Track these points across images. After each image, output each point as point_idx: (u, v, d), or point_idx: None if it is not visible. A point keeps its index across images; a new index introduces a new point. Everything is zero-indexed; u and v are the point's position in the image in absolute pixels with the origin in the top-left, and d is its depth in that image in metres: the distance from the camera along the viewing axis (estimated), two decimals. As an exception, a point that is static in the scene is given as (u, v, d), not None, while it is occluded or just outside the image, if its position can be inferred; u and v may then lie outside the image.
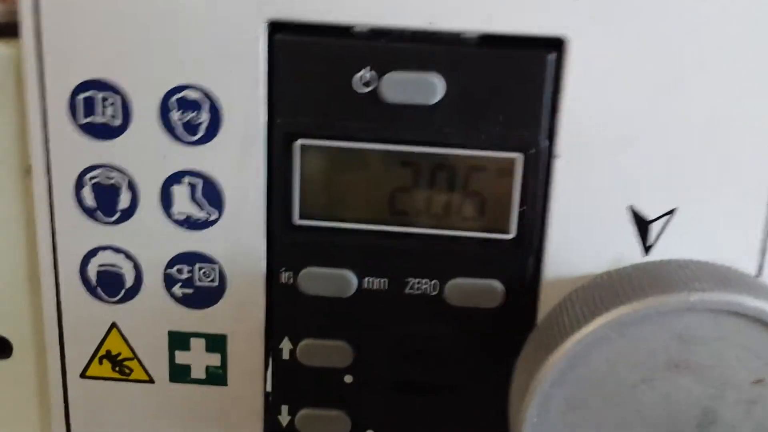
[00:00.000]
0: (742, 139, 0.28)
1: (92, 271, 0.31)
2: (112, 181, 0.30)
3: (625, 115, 0.28)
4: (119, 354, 0.32)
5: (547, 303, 0.29)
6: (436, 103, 0.28)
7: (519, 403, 0.26)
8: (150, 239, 0.30)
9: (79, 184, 0.30)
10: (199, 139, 0.29)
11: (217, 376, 0.32)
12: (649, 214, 0.29)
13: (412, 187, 0.29)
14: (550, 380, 0.26)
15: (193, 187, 0.30)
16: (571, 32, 0.27)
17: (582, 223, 0.29)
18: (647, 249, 0.29)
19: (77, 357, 0.32)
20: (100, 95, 0.29)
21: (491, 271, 0.30)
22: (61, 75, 0.29)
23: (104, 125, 0.29)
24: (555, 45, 0.28)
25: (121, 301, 0.31)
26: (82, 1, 0.28)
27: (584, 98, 0.28)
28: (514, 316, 0.30)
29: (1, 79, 0.30)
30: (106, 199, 0.30)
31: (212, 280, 0.31)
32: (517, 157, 0.28)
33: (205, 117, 0.29)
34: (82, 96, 0.29)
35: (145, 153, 0.29)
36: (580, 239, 0.29)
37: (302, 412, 0.32)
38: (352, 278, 0.30)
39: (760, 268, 0.29)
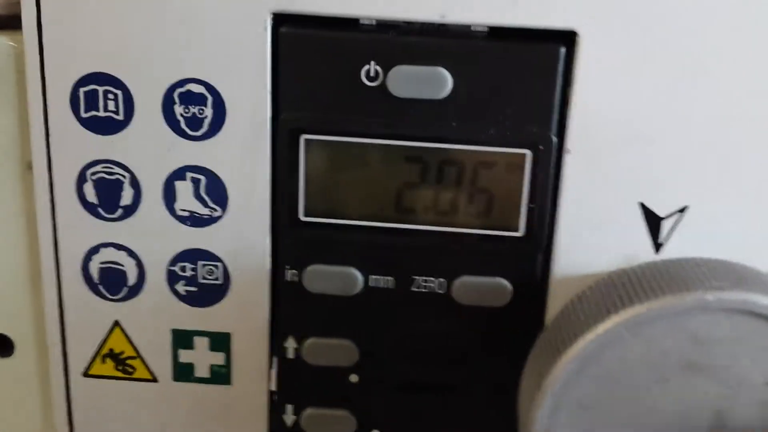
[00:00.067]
0: (755, 136, 0.28)
1: (94, 268, 0.31)
2: (114, 177, 0.30)
3: (637, 111, 0.28)
4: (122, 352, 0.32)
5: (556, 301, 0.29)
6: (445, 97, 0.28)
7: (529, 404, 0.26)
8: (153, 236, 0.30)
9: (81, 180, 0.30)
10: (203, 134, 0.29)
11: (221, 375, 0.32)
12: (660, 211, 0.29)
13: (420, 183, 0.29)
14: (562, 380, 0.26)
15: (196, 183, 0.29)
16: (583, 25, 0.27)
17: (592, 221, 0.29)
18: (658, 247, 0.29)
19: (80, 355, 0.32)
20: (102, 89, 0.29)
21: (499, 269, 0.30)
22: (63, 68, 0.29)
23: (106, 119, 0.29)
24: (566, 38, 0.27)
25: (124, 299, 0.31)
26: (84, -7, 0.28)
27: (595, 93, 0.28)
28: (523, 314, 0.30)
29: (2, 72, 0.30)
30: (109, 195, 0.30)
31: (216, 278, 0.31)
32: (527, 152, 0.28)
33: (209, 111, 0.29)
34: (84, 90, 0.29)
35: (148, 148, 0.29)
36: (590, 237, 0.29)
37: (307, 412, 0.32)
38: (357, 276, 0.30)
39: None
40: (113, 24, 0.28)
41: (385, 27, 0.28)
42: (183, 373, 0.32)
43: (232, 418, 0.32)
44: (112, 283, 0.31)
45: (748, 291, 0.25)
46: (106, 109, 0.29)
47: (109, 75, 0.28)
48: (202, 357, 0.32)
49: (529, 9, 0.27)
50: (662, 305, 0.25)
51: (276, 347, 0.31)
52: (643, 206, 0.29)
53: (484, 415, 0.31)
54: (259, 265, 0.30)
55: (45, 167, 0.30)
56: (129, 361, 0.32)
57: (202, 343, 0.31)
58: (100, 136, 0.29)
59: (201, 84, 0.28)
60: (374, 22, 0.28)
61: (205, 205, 0.30)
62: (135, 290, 0.31)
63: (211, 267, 0.30)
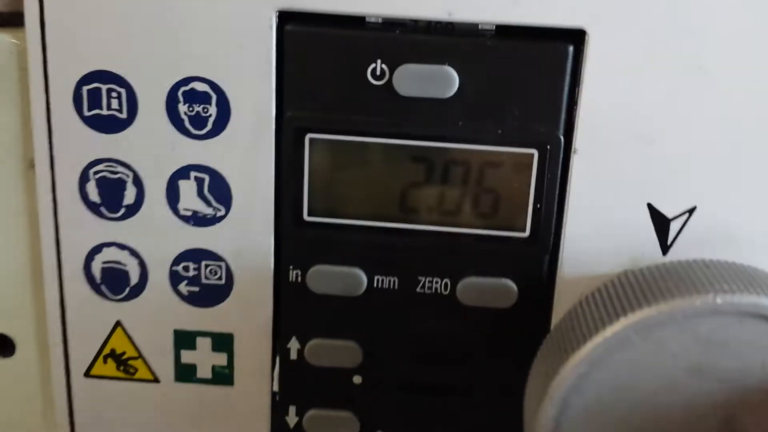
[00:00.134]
0: (764, 136, 0.27)
1: (96, 267, 0.31)
2: (117, 176, 0.30)
3: (645, 111, 0.27)
4: (124, 353, 0.32)
5: (562, 303, 0.29)
6: (451, 96, 0.28)
7: (536, 407, 0.26)
8: (156, 235, 0.30)
9: (83, 179, 0.30)
10: (207, 132, 0.29)
11: (223, 376, 0.32)
12: (668, 212, 0.28)
13: (425, 183, 0.29)
14: (568, 384, 0.25)
15: (200, 182, 0.29)
16: (592, 24, 0.27)
17: (599, 222, 0.29)
18: (666, 248, 0.29)
19: (81, 356, 0.32)
20: (105, 87, 0.28)
21: (505, 270, 0.30)
22: (66, 66, 0.28)
23: (110, 118, 0.29)
24: (575, 37, 0.27)
25: (126, 298, 0.31)
26: (88, -10, 0.28)
27: (604, 92, 0.27)
28: (528, 316, 0.30)
29: (5, 69, 0.29)
30: (111, 194, 0.30)
31: (219, 278, 0.30)
32: (534, 152, 0.28)
33: (213, 110, 0.28)
34: (87, 88, 0.29)
35: (152, 147, 0.29)
36: (597, 238, 0.29)
37: (310, 413, 0.32)
38: (361, 276, 0.30)
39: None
40: (116, 21, 0.28)
41: (392, 25, 0.28)
42: (185, 373, 0.32)
43: (235, 420, 0.32)
44: (114, 283, 0.31)
45: (758, 294, 0.25)
46: (109, 108, 0.29)
47: (113, 73, 0.28)
48: (204, 358, 0.31)
49: (536, 7, 0.27)
50: (672, 308, 0.25)
51: (279, 348, 0.31)
52: (651, 207, 0.28)
53: (489, 417, 0.31)
54: (263, 265, 0.30)
55: (47, 166, 0.30)
56: (131, 362, 0.32)
57: (204, 343, 0.31)
58: (103, 135, 0.29)
59: (205, 82, 0.28)
60: (380, 20, 0.28)
61: (209, 204, 0.30)
62: (137, 290, 0.31)
63: (214, 267, 0.30)
